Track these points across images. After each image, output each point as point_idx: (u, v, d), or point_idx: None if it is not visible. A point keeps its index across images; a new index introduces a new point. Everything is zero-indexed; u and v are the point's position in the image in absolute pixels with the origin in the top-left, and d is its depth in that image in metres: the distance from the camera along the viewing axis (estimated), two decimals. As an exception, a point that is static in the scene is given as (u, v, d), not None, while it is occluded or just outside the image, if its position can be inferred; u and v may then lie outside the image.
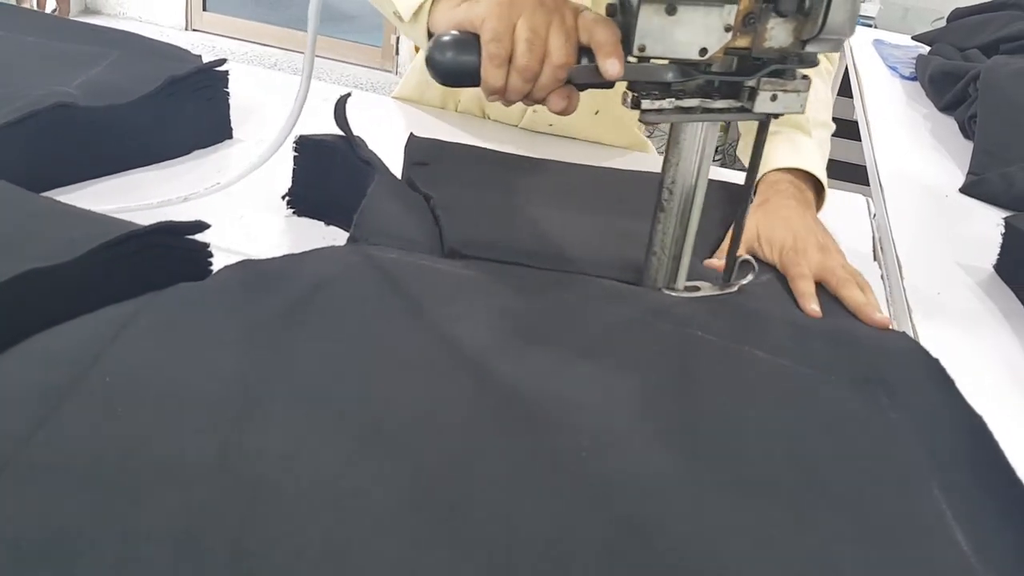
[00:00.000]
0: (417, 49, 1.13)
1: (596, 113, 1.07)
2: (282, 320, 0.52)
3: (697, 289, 0.68)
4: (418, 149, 0.87)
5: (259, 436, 0.43)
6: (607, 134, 1.08)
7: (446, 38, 0.60)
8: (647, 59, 0.58)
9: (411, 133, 0.91)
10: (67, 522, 0.36)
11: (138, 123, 0.78)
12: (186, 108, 0.83)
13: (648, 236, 0.66)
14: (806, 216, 0.81)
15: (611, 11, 0.60)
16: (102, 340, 0.47)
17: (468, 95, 1.09)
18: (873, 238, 0.93)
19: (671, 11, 0.56)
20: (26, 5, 1.60)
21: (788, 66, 0.60)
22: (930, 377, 0.59)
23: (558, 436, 0.47)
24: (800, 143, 0.89)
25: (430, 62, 0.60)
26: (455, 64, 0.60)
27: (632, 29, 0.56)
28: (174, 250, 0.56)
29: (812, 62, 0.61)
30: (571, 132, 1.08)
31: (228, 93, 0.87)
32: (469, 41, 0.60)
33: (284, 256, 0.60)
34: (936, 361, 0.61)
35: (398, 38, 4.06)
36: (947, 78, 1.39)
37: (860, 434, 0.53)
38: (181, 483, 0.39)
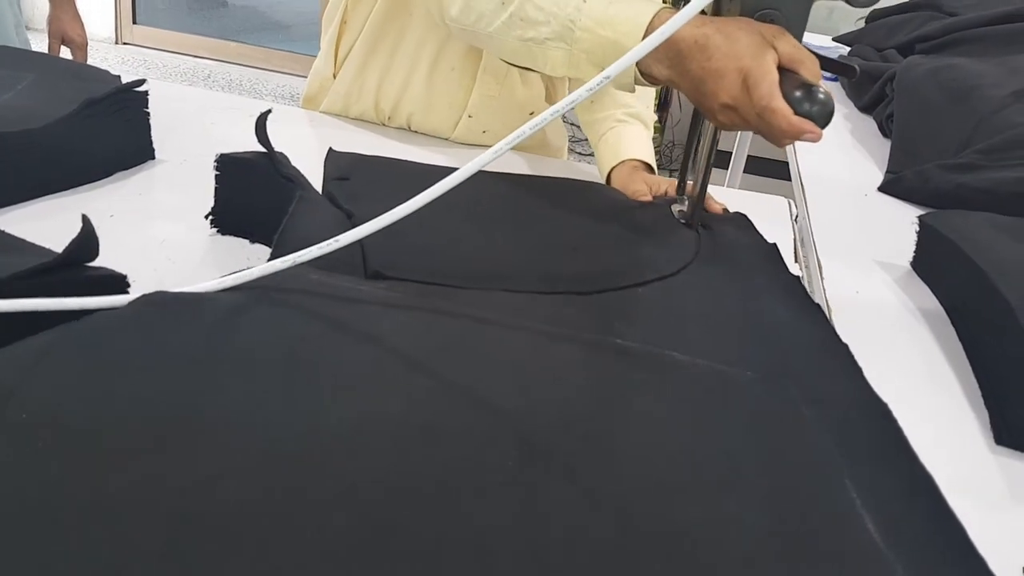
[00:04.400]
0: (337, 62, 1.13)
1: (531, 114, 1.09)
2: (203, 344, 0.52)
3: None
4: (337, 164, 0.87)
5: (182, 464, 0.43)
6: (540, 134, 1.10)
7: (802, 92, 0.65)
8: None
9: (330, 148, 0.91)
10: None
11: (54, 147, 0.77)
12: (105, 130, 0.82)
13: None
14: None
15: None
16: (17, 374, 0.46)
17: (401, 108, 1.09)
18: (794, 239, 0.96)
19: None
20: None
21: None
22: (839, 366, 0.61)
23: (485, 448, 0.48)
24: (645, 138, 1.09)
25: (830, 114, 0.65)
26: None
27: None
28: (90, 279, 0.56)
29: None
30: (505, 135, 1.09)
31: (148, 113, 0.86)
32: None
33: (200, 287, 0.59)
34: (845, 347, 0.63)
35: (333, 47, 4.02)
36: (865, 78, 1.43)
37: (774, 430, 0.54)
38: (103, 517, 0.39)
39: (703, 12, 0.63)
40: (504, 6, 0.82)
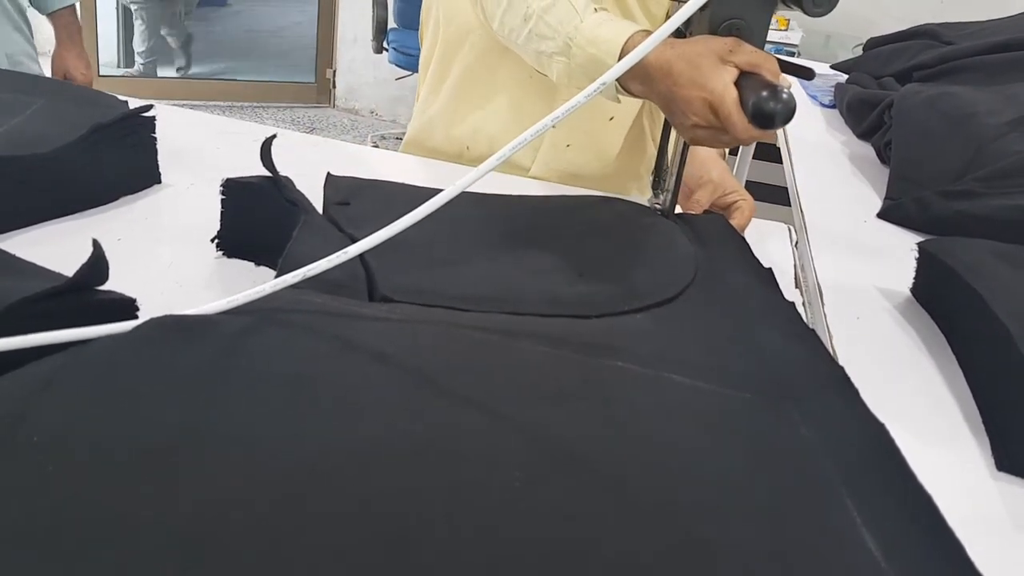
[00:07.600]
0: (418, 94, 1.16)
1: (611, 119, 1.14)
2: (212, 367, 0.52)
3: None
4: (337, 189, 0.87)
5: (195, 487, 0.43)
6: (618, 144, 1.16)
7: (767, 92, 0.71)
8: None
9: (328, 173, 0.91)
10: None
11: (62, 171, 0.78)
12: (112, 155, 0.82)
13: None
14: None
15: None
16: (29, 397, 0.46)
17: (481, 131, 1.12)
18: (794, 265, 0.96)
19: None
20: None
21: None
22: (836, 387, 0.62)
23: (490, 468, 0.48)
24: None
25: (793, 109, 0.70)
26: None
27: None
28: (99, 303, 0.56)
29: None
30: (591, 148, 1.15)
31: (155, 138, 0.87)
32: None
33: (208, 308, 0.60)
34: (841, 369, 0.63)
35: (334, 71, 4.06)
36: (863, 106, 1.44)
37: (774, 450, 0.55)
38: (114, 540, 0.39)
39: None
40: (526, 22, 0.92)
